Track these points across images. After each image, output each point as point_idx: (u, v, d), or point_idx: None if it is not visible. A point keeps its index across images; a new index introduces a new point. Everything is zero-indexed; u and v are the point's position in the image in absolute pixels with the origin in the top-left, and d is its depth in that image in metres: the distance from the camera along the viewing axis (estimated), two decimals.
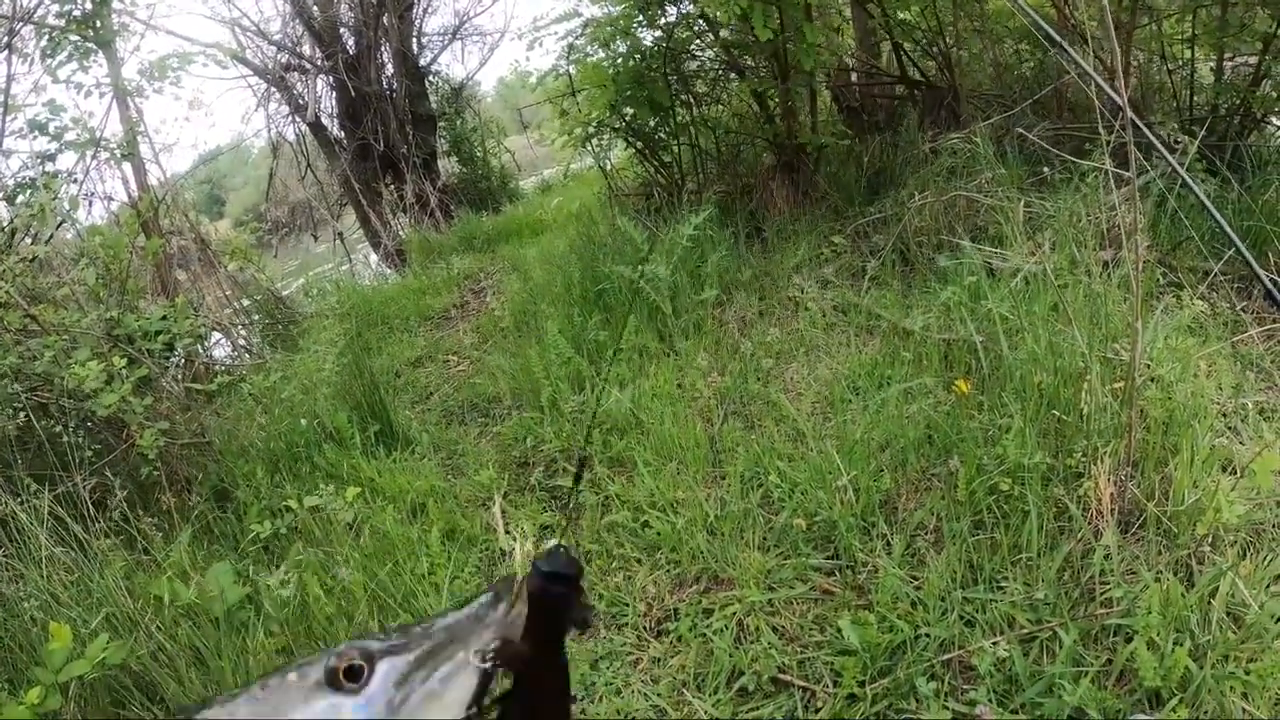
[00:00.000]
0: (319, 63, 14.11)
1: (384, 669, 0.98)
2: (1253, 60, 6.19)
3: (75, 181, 7.54)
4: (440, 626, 1.07)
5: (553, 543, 1.19)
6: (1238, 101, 6.12)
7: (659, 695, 3.04)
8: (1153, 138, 2.92)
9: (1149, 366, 3.65)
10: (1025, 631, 2.87)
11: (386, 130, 14.11)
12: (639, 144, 8.41)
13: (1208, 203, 2.75)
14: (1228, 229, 2.66)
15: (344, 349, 6.41)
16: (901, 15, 8.02)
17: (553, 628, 1.11)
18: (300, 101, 14.05)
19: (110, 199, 8.32)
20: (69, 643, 3.12)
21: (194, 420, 5.68)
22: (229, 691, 0.94)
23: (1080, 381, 3.57)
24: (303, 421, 5.25)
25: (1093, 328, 3.80)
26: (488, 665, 1.04)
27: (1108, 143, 3.19)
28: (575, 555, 1.16)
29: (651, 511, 3.90)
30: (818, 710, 2.85)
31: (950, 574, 3.14)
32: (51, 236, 6.69)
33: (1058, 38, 3.11)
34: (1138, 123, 2.80)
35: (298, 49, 14.47)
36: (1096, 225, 4.75)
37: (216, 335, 8.85)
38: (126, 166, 8.04)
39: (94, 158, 7.60)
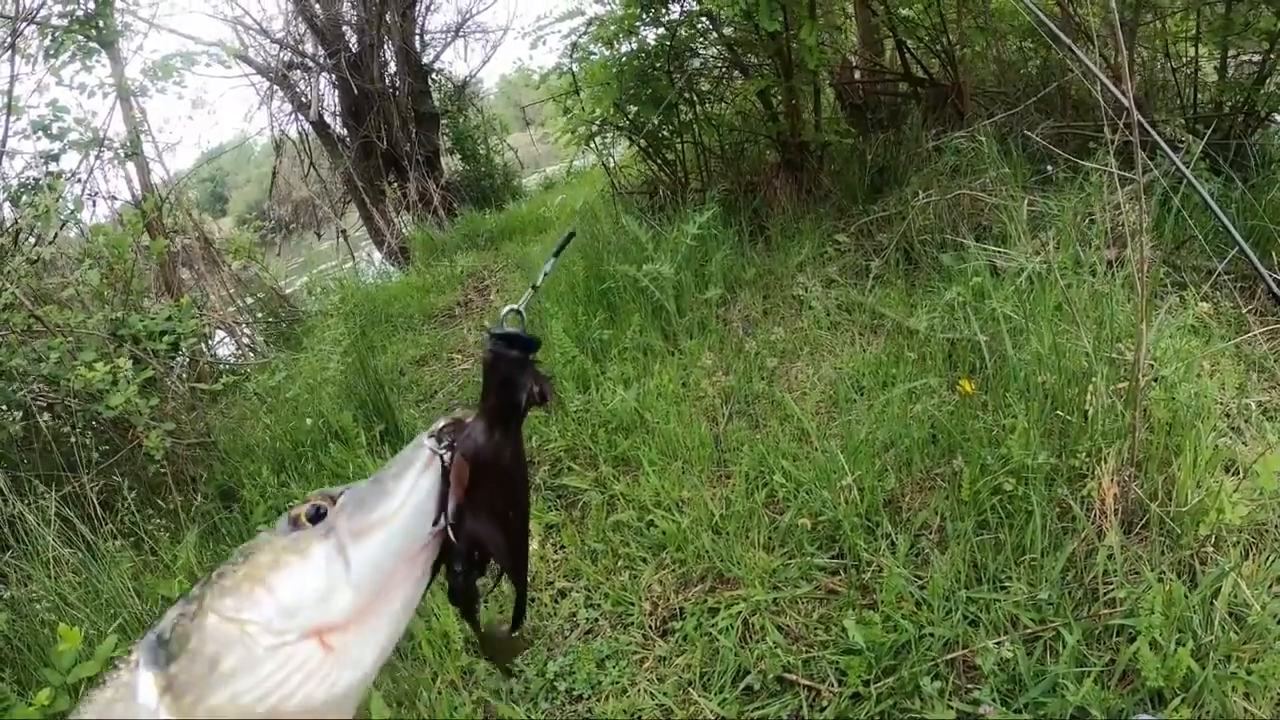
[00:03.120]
0: (322, 61, 14.12)
1: (343, 499, 0.99)
2: (1257, 58, 6.19)
3: (79, 182, 7.56)
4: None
5: (509, 309, 1.17)
6: (1242, 100, 6.12)
7: (665, 694, 3.05)
8: (1158, 139, 2.92)
9: (1153, 367, 3.66)
10: (1029, 631, 2.88)
11: (389, 128, 14.11)
12: (642, 142, 8.41)
13: (1212, 204, 2.75)
14: (1232, 229, 2.66)
15: (348, 348, 6.43)
16: (904, 12, 8.01)
17: (507, 397, 1.05)
18: (303, 100, 14.06)
19: (114, 198, 8.35)
20: (78, 644, 3.13)
21: (199, 420, 5.70)
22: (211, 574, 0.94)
23: (1084, 382, 3.58)
24: (308, 421, 5.26)
25: (1097, 328, 3.80)
26: (440, 446, 1.01)
27: (1111, 142, 3.19)
28: (529, 332, 1.10)
29: (657, 511, 3.91)
30: (823, 709, 2.86)
31: (954, 574, 3.15)
32: (55, 237, 6.71)
33: (1064, 37, 3.11)
34: (1144, 123, 2.81)
35: (300, 47, 14.47)
36: (1100, 224, 4.75)
37: (220, 334, 8.88)
38: (130, 166, 8.06)
39: (98, 158, 7.63)
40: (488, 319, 7.39)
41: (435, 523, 0.99)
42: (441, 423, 1.03)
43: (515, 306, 1.18)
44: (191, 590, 0.92)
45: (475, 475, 1.01)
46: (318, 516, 0.96)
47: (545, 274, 1.41)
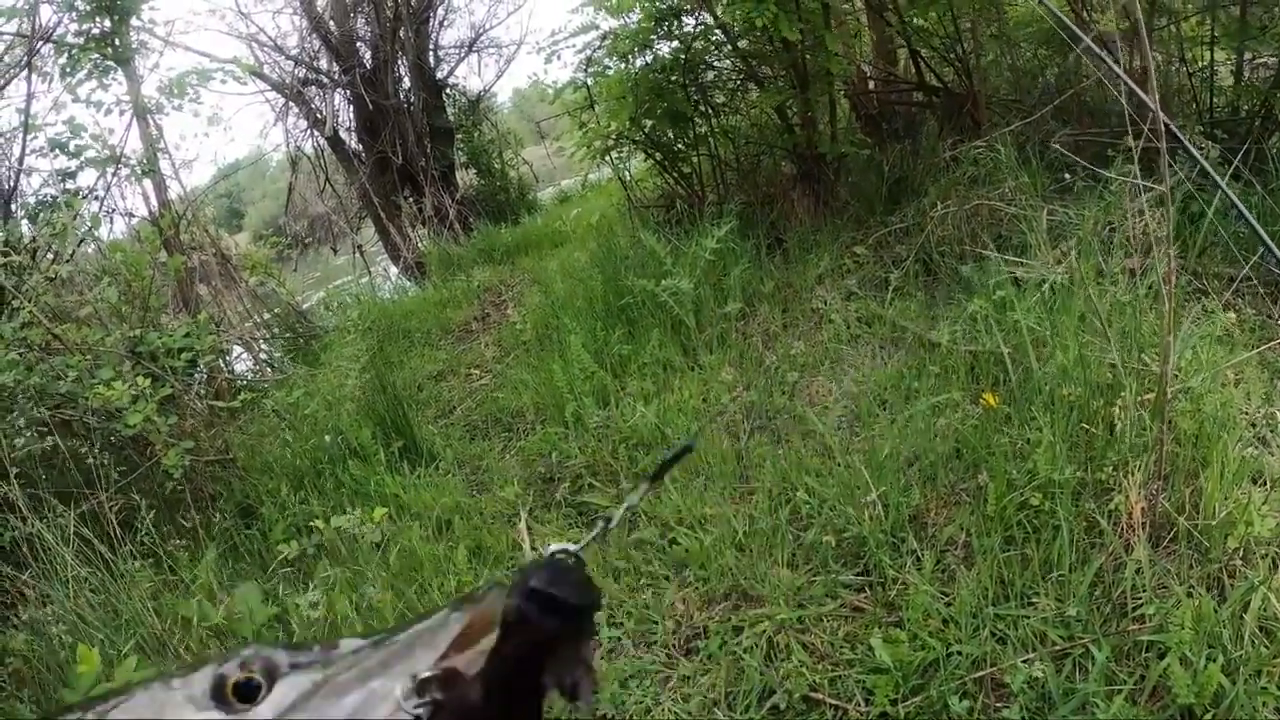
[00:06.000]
0: (336, 77, 14.15)
1: (281, 690, 0.79)
2: (1274, 61, 6.16)
3: (96, 199, 7.58)
4: (375, 644, 0.82)
5: (555, 547, 0.89)
6: (1259, 103, 6.08)
7: (689, 714, 3.03)
8: (1188, 144, 2.89)
9: (1177, 377, 3.62)
10: (1057, 648, 2.85)
11: (404, 143, 14.12)
12: (658, 155, 8.41)
13: (1246, 212, 2.74)
14: (1264, 236, 2.64)
15: (366, 364, 6.42)
16: (918, 21, 7.98)
17: (524, 676, 0.81)
18: (318, 115, 14.09)
19: (131, 215, 8.38)
20: (97, 666, 3.12)
21: (218, 437, 5.69)
22: (106, 691, 0.80)
23: (1110, 394, 3.55)
24: (327, 438, 5.25)
25: (1121, 339, 3.77)
26: (417, 708, 0.76)
27: (1132, 149, 3.17)
28: (587, 579, 0.85)
29: (679, 528, 3.88)
30: None
31: (981, 590, 3.12)
32: (73, 254, 6.72)
33: (1091, 44, 3.08)
34: (1172, 128, 2.78)
35: (315, 63, 14.51)
36: (1122, 232, 4.72)
37: (237, 349, 8.90)
38: (147, 183, 8.09)
39: (114, 175, 7.65)
40: (505, 334, 7.36)
41: None
42: (428, 672, 0.79)
43: (570, 546, 0.89)
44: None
45: None
46: (249, 691, 0.78)
47: (642, 495, 1.11)
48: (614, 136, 8.07)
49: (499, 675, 0.80)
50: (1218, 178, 2.86)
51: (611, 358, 5.59)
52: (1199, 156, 2.78)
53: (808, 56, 6.81)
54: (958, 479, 3.77)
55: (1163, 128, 2.73)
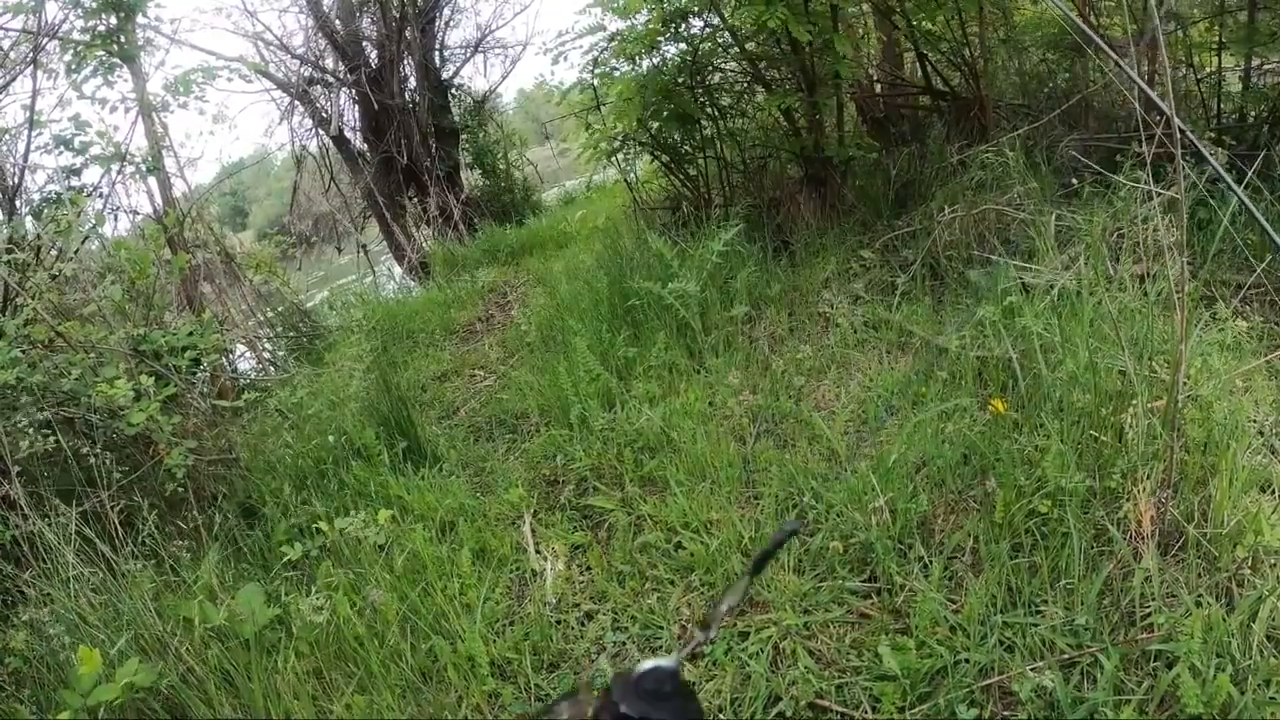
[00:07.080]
0: (342, 76, 14.15)
1: None
2: None
3: (101, 196, 7.56)
4: None
5: (648, 665, 0.82)
6: (1267, 109, 6.06)
7: None
8: (1204, 150, 2.87)
9: (1186, 384, 3.60)
10: (1066, 657, 2.83)
11: (409, 143, 14.13)
12: (665, 157, 8.39)
13: (1260, 218, 2.71)
14: (1279, 243, 2.62)
15: (370, 365, 6.39)
16: (926, 25, 7.97)
17: None
18: (323, 115, 14.09)
19: (135, 213, 8.35)
20: (98, 667, 3.10)
21: (221, 436, 5.67)
22: None
23: (1120, 401, 3.53)
24: (330, 438, 5.22)
25: (1131, 346, 3.74)
26: None
27: (1142, 154, 3.15)
28: (687, 695, 0.79)
29: (685, 532, 3.87)
30: None
31: (989, 598, 3.10)
32: (77, 251, 6.71)
33: (1105, 47, 3.06)
34: (1187, 134, 2.76)
35: (321, 63, 14.51)
36: (1131, 238, 4.69)
37: (241, 348, 8.88)
38: (151, 180, 8.06)
39: (119, 172, 7.62)
40: (509, 335, 7.34)
41: None
42: None
43: (665, 663, 0.82)
44: None
45: None
46: None
47: (743, 593, 0.99)
48: (620, 138, 8.07)
49: None
50: (1232, 183, 2.83)
51: (617, 360, 5.57)
52: (1214, 162, 2.75)
53: (815, 59, 6.80)
54: (966, 485, 3.75)
55: (1177, 133, 2.71)
